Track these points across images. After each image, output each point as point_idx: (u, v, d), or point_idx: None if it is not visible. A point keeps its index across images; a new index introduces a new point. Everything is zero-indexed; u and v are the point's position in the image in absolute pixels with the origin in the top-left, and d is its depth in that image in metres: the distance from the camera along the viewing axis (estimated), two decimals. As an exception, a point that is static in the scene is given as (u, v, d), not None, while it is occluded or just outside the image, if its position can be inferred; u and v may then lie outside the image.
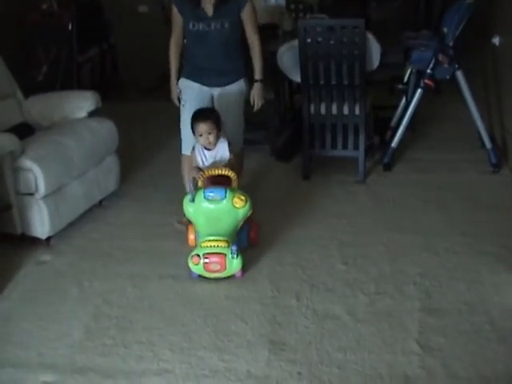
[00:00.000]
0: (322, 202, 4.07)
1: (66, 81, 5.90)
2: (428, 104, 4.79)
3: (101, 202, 4.11)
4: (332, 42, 4.11)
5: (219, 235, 3.15)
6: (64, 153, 3.69)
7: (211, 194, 3.21)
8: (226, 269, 3.13)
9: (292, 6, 5.61)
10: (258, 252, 3.43)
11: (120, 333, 2.84)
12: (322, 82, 4.25)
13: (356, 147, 4.34)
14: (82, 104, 4.13)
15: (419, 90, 4.42)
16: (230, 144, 3.42)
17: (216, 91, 3.70)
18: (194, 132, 3.41)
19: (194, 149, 3.46)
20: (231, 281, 3.18)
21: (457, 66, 4.35)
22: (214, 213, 3.22)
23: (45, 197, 3.52)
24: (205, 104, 3.65)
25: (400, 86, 4.76)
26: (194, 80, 3.69)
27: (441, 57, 4.32)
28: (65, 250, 3.63)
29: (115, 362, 2.66)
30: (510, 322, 2.79)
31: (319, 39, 4.13)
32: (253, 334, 2.78)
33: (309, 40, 4.13)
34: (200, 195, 3.22)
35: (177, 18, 3.66)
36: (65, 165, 3.67)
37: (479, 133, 4.51)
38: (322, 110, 4.33)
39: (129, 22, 7.03)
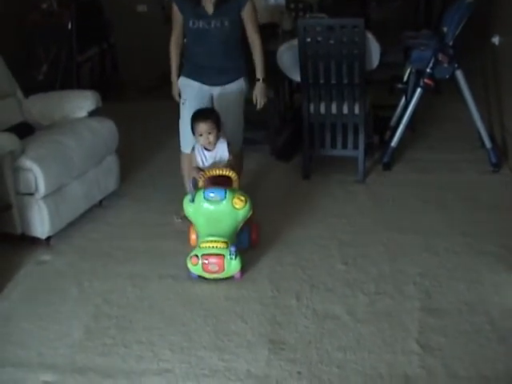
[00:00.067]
0: (321, 201, 4.08)
1: (66, 80, 5.91)
2: (428, 104, 4.80)
3: (101, 201, 4.11)
4: (332, 41, 4.11)
5: (219, 236, 3.15)
6: (64, 152, 3.68)
7: (211, 195, 3.21)
8: (224, 270, 3.12)
9: (292, 6, 5.62)
10: (257, 252, 3.43)
11: (120, 333, 2.84)
12: (321, 82, 4.25)
13: (356, 147, 4.34)
14: (82, 103, 4.13)
15: (419, 90, 4.42)
16: (229, 144, 3.42)
17: (216, 90, 3.70)
18: (193, 132, 3.41)
19: (193, 149, 3.47)
20: (231, 281, 3.18)
21: (456, 65, 4.35)
22: (213, 213, 3.21)
23: (45, 197, 3.52)
24: (204, 103, 3.65)
25: (400, 86, 4.76)
26: (194, 79, 3.69)
27: (440, 56, 4.32)
28: (65, 249, 3.63)
29: (115, 361, 2.66)
30: (509, 322, 2.79)
31: (319, 38, 4.13)
32: (253, 334, 2.78)
33: (308, 39, 4.13)
34: (200, 195, 3.22)
35: (177, 17, 3.66)
36: (65, 165, 3.67)
37: (479, 133, 4.51)
38: (322, 109, 4.33)
39: (128, 21, 7.04)
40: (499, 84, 4.74)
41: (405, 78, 4.68)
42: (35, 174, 3.45)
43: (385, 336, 2.72)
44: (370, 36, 4.10)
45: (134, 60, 6.90)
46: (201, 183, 3.27)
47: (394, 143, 4.53)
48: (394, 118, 4.90)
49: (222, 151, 3.40)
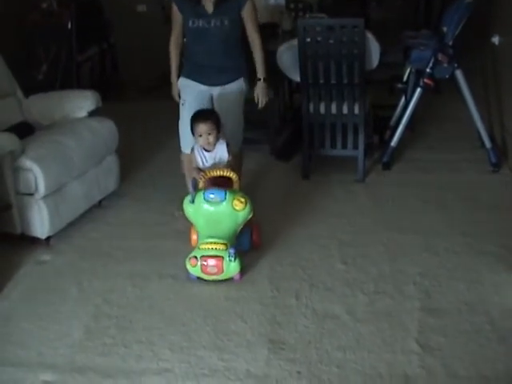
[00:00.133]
0: (321, 201, 4.07)
1: (66, 80, 5.91)
2: (428, 103, 4.80)
3: (100, 201, 4.11)
4: (331, 41, 4.11)
5: (219, 237, 3.14)
6: (64, 152, 3.68)
7: (211, 196, 3.20)
8: (223, 272, 3.11)
9: (292, 6, 5.63)
10: (257, 252, 3.43)
11: (120, 332, 2.84)
12: (321, 82, 4.25)
13: (355, 146, 4.34)
14: (82, 103, 4.13)
15: (419, 90, 4.42)
16: (228, 145, 3.42)
17: (216, 91, 3.70)
18: (193, 133, 3.41)
19: (192, 150, 3.46)
20: (231, 281, 3.17)
21: (456, 65, 4.35)
22: (213, 215, 3.20)
23: (45, 197, 3.52)
24: (204, 104, 3.65)
25: (399, 86, 4.76)
26: (194, 79, 3.69)
27: (440, 56, 4.32)
28: (65, 249, 3.63)
29: (115, 361, 2.66)
30: (509, 321, 2.79)
31: (319, 38, 4.13)
32: (252, 334, 2.78)
33: (308, 39, 4.13)
34: (200, 196, 3.21)
35: (176, 16, 3.67)
36: (65, 165, 3.67)
37: (479, 132, 4.51)
38: (322, 109, 4.33)
39: (128, 21, 7.04)
40: (499, 84, 4.74)
41: (404, 78, 4.68)
42: (35, 174, 3.45)
43: (384, 336, 2.72)
44: (369, 36, 4.11)
45: (134, 60, 6.90)
46: (201, 184, 3.27)
47: (393, 143, 4.53)
48: (394, 118, 4.90)
49: (221, 152, 3.40)
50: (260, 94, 3.76)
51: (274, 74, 4.43)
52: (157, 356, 2.67)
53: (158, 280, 3.26)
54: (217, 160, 3.40)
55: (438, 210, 3.86)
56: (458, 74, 4.37)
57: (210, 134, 3.34)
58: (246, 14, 3.61)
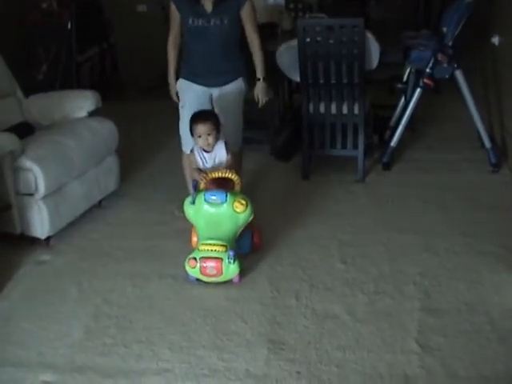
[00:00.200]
0: (321, 201, 4.07)
1: (66, 80, 5.90)
2: (427, 104, 4.79)
3: (100, 201, 4.11)
4: (331, 41, 4.11)
5: (219, 239, 3.13)
6: (64, 153, 3.69)
7: (212, 197, 3.19)
8: (222, 273, 3.10)
9: (291, 5, 5.60)
10: (257, 252, 3.42)
11: (120, 332, 2.84)
12: (321, 82, 4.25)
13: (355, 146, 4.34)
14: (82, 103, 4.13)
15: (418, 90, 4.42)
16: (226, 143, 3.41)
17: (215, 91, 3.70)
18: (192, 133, 3.40)
19: (192, 151, 3.46)
20: (230, 282, 3.17)
21: (456, 65, 4.35)
22: (213, 216, 3.19)
23: (45, 197, 3.52)
24: (204, 105, 3.64)
25: (399, 86, 4.76)
26: (193, 80, 3.69)
27: (440, 56, 4.32)
28: (64, 249, 3.63)
29: (115, 361, 2.66)
30: (509, 321, 2.79)
31: (318, 38, 4.13)
32: (252, 334, 2.79)
33: (308, 39, 4.13)
34: (201, 197, 3.21)
35: (175, 15, 3.66)
36: (65, 165, 3.67)
37: (479, 132, 4.51)
38: (322, 109, 4.33)
39: (128, 21, 7.03)
40: (499, 84, 4.74)
41: (404, 78, 4.68)
42: (35, 174, 3.45)
43: (384, 336, 2.72)
44: (369, 36, 4.11)
45: (134, 60, 6.89)
46: (202, 185, 3.26)
47: (393, 143, 4.53)
48: (394, 118, 4.89)
49: (220, 152, 3.39)
50: (260, 93, 3.76)
51: (274, 73, 4.43)
52: (157, 356, 2.67)
53: (157, 280, 3.26)
54: (216, 161, 3.39)
55: (438, 210, 3.87)
56: (458, 74, 4.37)
57: (209, 134, 3.34)
58: (245, 14, 3.60)
